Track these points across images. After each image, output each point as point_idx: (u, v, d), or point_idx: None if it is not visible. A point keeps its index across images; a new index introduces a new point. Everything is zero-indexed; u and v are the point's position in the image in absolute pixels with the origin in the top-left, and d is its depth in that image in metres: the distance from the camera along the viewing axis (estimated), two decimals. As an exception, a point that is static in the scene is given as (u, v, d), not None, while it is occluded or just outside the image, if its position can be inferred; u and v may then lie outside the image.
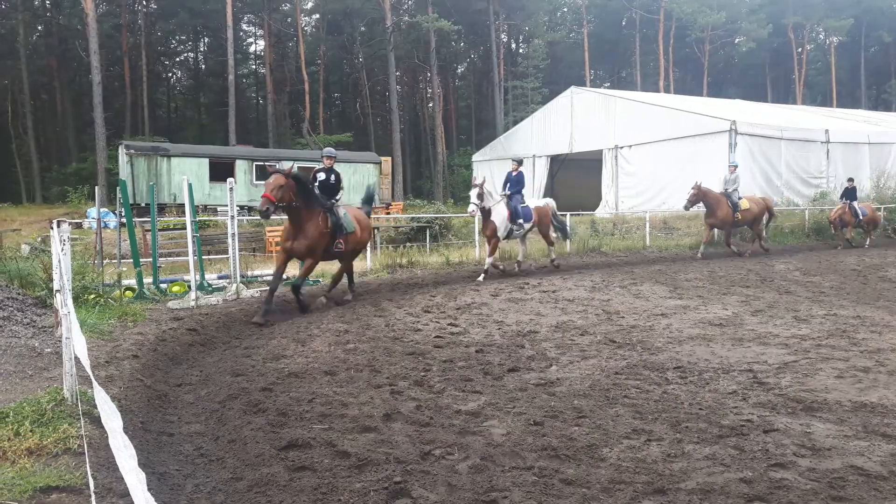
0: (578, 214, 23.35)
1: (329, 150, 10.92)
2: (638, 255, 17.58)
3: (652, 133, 27.16)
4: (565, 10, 65.25)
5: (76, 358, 4.55)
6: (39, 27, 51.47)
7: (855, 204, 20.41)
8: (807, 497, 3.56)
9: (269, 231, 20.05)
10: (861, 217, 20.41)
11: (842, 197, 20.62)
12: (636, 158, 28.12)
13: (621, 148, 28.87)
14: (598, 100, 31.41)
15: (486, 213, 13.36)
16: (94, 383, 3.01)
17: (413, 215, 22.74)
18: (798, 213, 23.72)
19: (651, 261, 16.70)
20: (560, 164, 34.83)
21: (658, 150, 26.84)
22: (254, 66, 62.33)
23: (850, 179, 21.06)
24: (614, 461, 4.07)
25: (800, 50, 62.10)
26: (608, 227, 21.99)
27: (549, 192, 34.40)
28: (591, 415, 4.93)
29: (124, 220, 10.86)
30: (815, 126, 27.94)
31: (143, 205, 24.82)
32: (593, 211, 27.42)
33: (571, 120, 31.85)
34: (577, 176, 33.99)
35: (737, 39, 61.14)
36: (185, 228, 12.01)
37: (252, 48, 62.50)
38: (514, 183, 14.07)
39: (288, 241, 9.61)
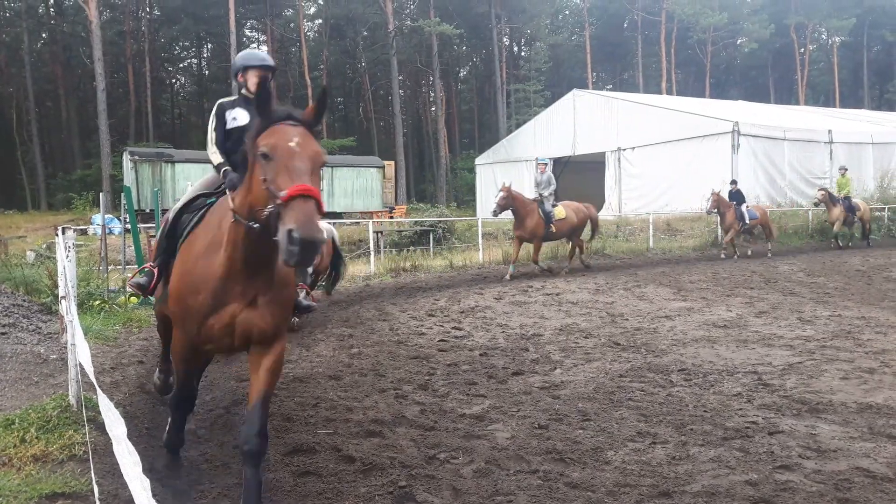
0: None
1: (254, 53, 4.99)
2: (641, 257, 17.56)
3: (655, 135, 27.15)
4: (567, 12, 65.38)
5: (81, 364, 4.57)
6: (44, 35, 51.71)
7: (742, 207, 17.96)
8: (812, 499, 3.55)
9: (273, 236, 20.08)
10: (747, 221, 17.93)
11: (730, 200, 18.04)
12: (639, 160, 28.11)
13: (624, 150, 28.86)
14: (601, 102, 31.41)
15: None
16: (98, 390, 3.02)
17: (416, 219, 22.76)
18: (802, 214, 23.67)
19: (655, 263, 16.67)
20: (563, 167, 34.79)
21: (661, 152, 26.83)
22: (257, 72, 62.39)
23: (734, 182, 19.00)
24: (619, 464, 4.07)
25: (802, 50, 62.02)
26: (611, 229, 21.97)
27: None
28: (595, 418, 4.93)
29: (129, 226, 10.90)
30: (818, 126, 27.92)
31: (147, 211, 24.89)
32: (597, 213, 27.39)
33: (574, 122, 31.85)
34: (579, 178, 33.95)
35: (739, 40, 61.14)
36: (189, 234, 11.99)
37: (255, 54, 62.61)
38: None
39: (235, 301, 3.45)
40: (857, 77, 65.13)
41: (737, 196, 18.38)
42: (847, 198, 19.93)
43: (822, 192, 19.84)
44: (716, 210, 17.84)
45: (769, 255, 18.21)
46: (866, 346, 7.08)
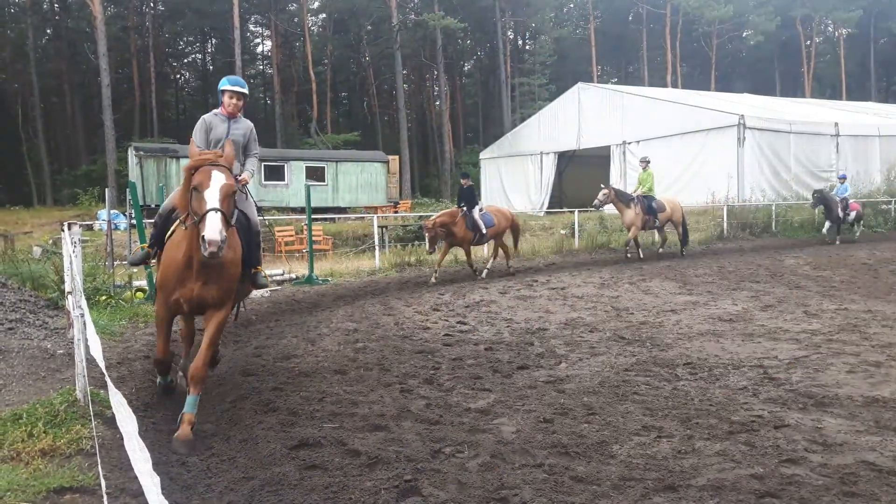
0: (587, 211, 23.30)
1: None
2: (647, 251, 17.52)
3: (660, 128, 27.09)
4: (571, 5, 65.09)
5: (88, 359, 4.59)
6: (48, 31, 51.76)
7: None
8: (818, 492, 3.55)
9: (279, 231, 20.13)
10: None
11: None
12: (645, 153, 28.03)
13: (629, 143, 28.79)
14: (606, 95, 31.34)
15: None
16: (110, 386, 3.03)
17: (421, 213, 22.76)
18: (808, 208, 23.59)
19: (660, 256, 16.63)
20: (568, 161, 34.78)
21: (666, 146, 26.77)
22: (261, 67, 62.49)
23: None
24: (624, 458, 4.07)
25: (808, 42, 61.67)
26: (617, 223, 21.90)
27: (556, 188, 34.38)
28: (600, 412, 4.93)
29: (134, 221, 10.93)
30: (824, 119, 27.80)
31: (152, 206, 24.91)
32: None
33: (579, 116, 31.79)
34: (584, 172, 33.95)
35: (744, 33, 60.82)
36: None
37: (259, 49, 62.70)
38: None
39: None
40: (864, 69, 64.66)
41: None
42: (647, 196, 15.83)
43: (607, 191, 15.58)
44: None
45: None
46: (873, 339, 7.05)
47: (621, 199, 15.66)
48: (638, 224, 15.52)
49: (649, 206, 15.65)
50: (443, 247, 13.33)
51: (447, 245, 13.29)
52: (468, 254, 13.50)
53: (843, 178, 20.64)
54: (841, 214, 19.51)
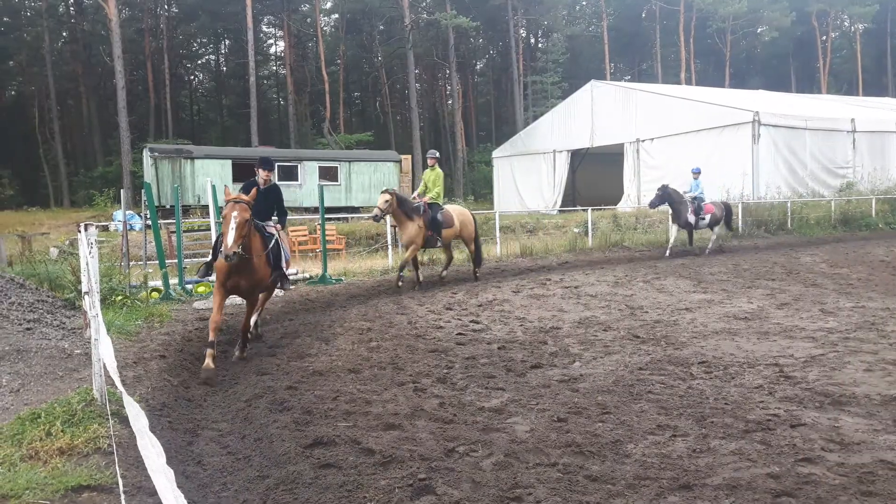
0: (600, 209, 23.23)
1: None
2: (661, 249, 17.42)
3: (674, 126, 26.90)
4: (584, 3, 64.78)
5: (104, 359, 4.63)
6: (64, 34, 52.30)
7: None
8: (835, 492, 3.51)
9: (292, 230, 20.20)
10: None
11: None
12: (658, 151, 27.87)
13: (643, 141, 28.63)
14: (619, 93, 31.17)
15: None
16: (119, 385, 3.06)
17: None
18: (824, 205, 23.40)
19: (674, 255, 16.53)
20: (581, 159, 34.63)
21: (680, 143, 26.58)
22: (274, 68, 62.75)
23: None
24: (639, 457, 4.05)
25: (824, 38, 61.06)
26: (630, 221, 21.84)
27: (570, 186, 34.24)
28: (615, 411, 4.91)
29: (150, 222, 11.01)
30: (840, 115, 27.49)
31: (167, 207, 25.12)
32: (615, 205, 27.26)
33: (592, 114, 31.64)
34: (598, 170, 33.81)
35: (759, 29, 60.24)
36: (209, 229, 12.15)
37: (272, 49, 62.94)
38: None
39: None
40: (881, 65, 63.93)
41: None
42: (434, 205, 12.23)
43: (388, 198, 11.52)
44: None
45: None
46: (890, 337, 6.98)
47: (403, 209, 11.74)
48: (419, 242, 11.84)
49: (433, 219, 12.02)
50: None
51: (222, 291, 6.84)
52: (248, 315, 7.21)
53: (696, 173, 16.73)
54: (693, 219, 15.93)
